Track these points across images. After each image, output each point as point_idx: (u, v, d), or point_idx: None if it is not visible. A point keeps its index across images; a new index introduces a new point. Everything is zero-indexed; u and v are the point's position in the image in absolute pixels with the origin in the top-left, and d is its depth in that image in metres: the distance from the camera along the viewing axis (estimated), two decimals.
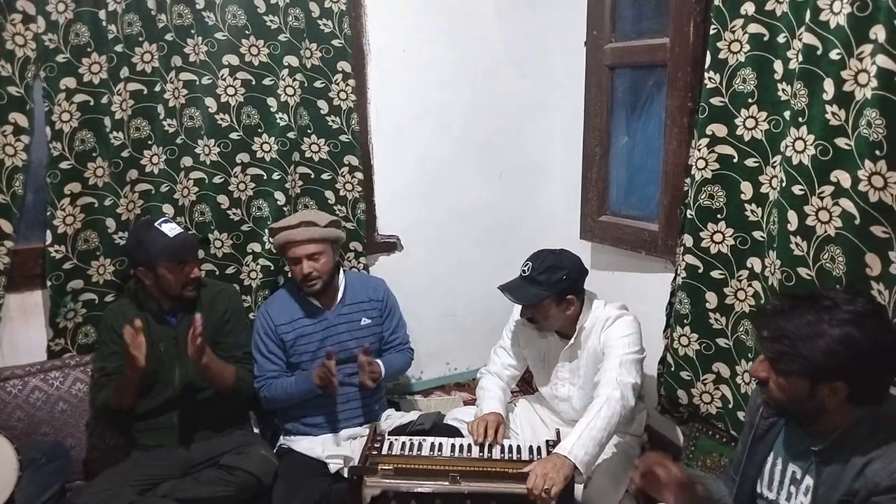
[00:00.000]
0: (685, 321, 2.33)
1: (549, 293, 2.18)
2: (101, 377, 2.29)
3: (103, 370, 2.29)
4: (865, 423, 1.39)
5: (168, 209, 2.54)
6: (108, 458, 2.36)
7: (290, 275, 2.53)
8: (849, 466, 1.37)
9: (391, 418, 2.53)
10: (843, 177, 1.75)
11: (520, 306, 2.40)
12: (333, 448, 2.34)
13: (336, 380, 2.24)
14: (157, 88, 2.47)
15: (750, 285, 2.16)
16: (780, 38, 1.97)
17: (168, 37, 2.45)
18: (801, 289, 1.87)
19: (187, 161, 2.56)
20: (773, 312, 1.46)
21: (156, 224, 2.26)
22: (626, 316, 2.25)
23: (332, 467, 2.26)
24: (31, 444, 2.23)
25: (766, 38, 2.01)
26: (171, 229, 2.25)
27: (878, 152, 1.65)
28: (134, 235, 2.33)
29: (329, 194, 2.81)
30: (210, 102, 2.55)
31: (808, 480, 1.47)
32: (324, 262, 2.40)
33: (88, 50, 2.34)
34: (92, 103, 2.37)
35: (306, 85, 2.69)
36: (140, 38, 2.41)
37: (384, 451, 2.07)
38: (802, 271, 1.88)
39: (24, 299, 2.43)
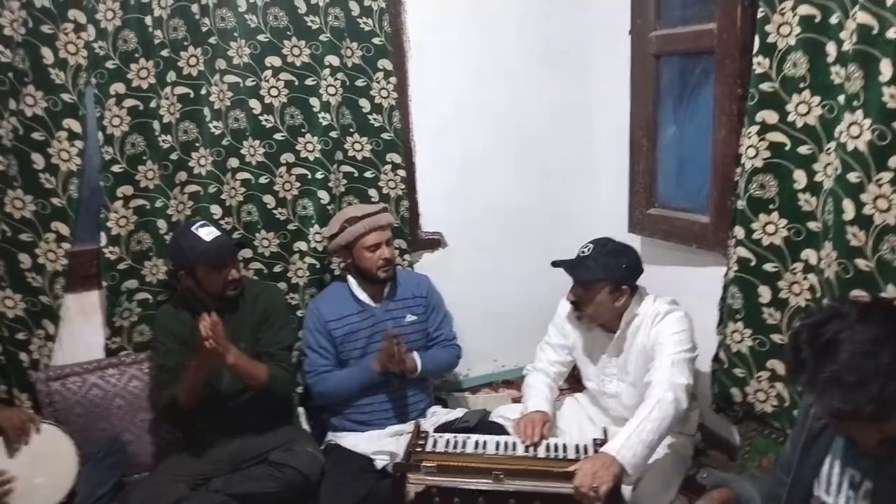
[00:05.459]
0: (738, 316, 2.25)
1: (607, 277, 2.16)
2: (162, 374, 2.32)
3: (163, 367, 2.31)
4: None
5: (216, 210, 2.59)
6: (164, 453, 2.43)
7: (350, 268, 2.51)
8: None
9: (437, 415, 2.53)
10: None
11: (565, 302, 2.38)
12: (380, 444, 2.35)
13: (400, 352, 2.29)
14: (203, 91, 2.52)
15: (805, 278, 2.07)
16: (833, 19, 1.88)
17: (212, 40, 2.49)
18: (851, 286, 1.80)
19: (233, 162, 2.61)
20: (813, 364, 1.26)
21: (192, 229, 2.28)
22: (677, 311, 2.19)
23: (379, 464, 2.27)
24: (90, 439, 2.30)
25: (817, 20, 1.92)
26: (207, 233, 2.27)
27: None
28: (174, 240, 2.37)
29: (372, 192, 2.82)
30: (254, 104, 2.59)
31: (868, 484, 1.41)
32: (394, 248, 2.52)
33: (136, 55, 2.40)
34: (141, 108, 2.44)
35: (348, 84, 2.70)
36: (185, 43, 2.46)
37: (428, 448, 2.07)
38: (861, 263, 1.79)
39: (81, 299, 2.51)
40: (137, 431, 2.47)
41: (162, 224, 2.52)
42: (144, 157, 2.47)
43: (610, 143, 3.00)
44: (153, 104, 2.45)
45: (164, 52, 2.44)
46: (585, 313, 2.25)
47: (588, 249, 2.21)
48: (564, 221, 3.16)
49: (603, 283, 2.17)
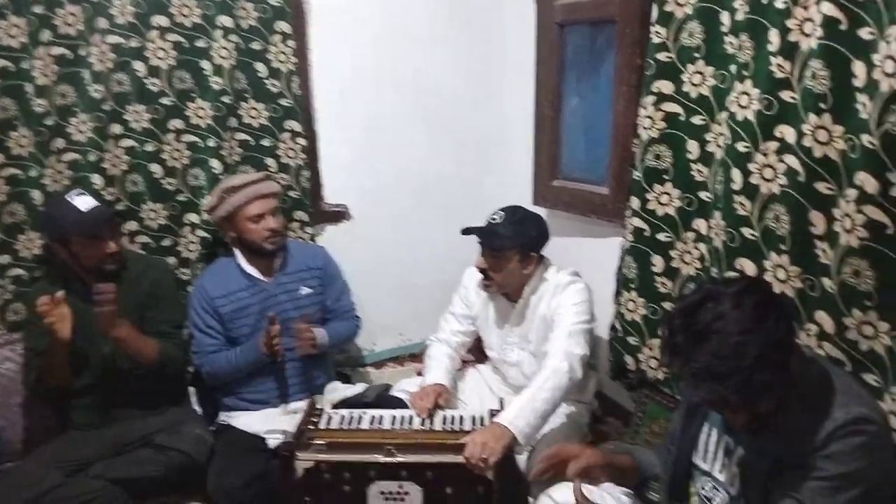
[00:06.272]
0: (632, 285, 2.28)
1: (517, 244, 2.15)
2: (32, 357, 2.21)
3: (34, 350, 2.20)
4: (791, 392, 1.33)
5: (97, 180, 2.42)
6: (41, 439, 2.27)
7: (235, 241, 2.40)
8: (777, 434, 1.33)
9: (336, 391, 2.45)
10: (787, 132, 1.70)
11: (470, 272, 2.37)
12: (273, 423, 2.26)
13: (280, 344, 2.22)
14: (83, 52, 2.34)
15: (696, 248, 2.10)
16: None
17: None
18: (737, 255, 1.82)
19: (117, 128, 2.43)
20: (686, 352, 1.26)
21: (67, 197, 2.14)
22: (578, 283, 2.21)
23: (272, 443, 2.19)
24: None
25: None
26: (84, 203, 2.13)
27: (822, 105, 1.60)
28: (46, 210, 2.23)
29: (270, 161, 2.68)
30: (139, 66, 2.42)
31: (740, 451, 1.44)
32: (282, 218, 2.41)
33: (5, 12, 2.21)
34: (12, 69, 2.26)
35: (243, 47, 2.55)
36: None
37: (322, 426, 2.01)
38: (746, 232, 1.82)
39: None
40: (12, 417, 2.31)
41: (37, 195, 2.35)
42: (16, 123, 2.29)
43: (519, 112, 2.94)
44: (25, 65, 2.27)
45: (38, 9, 2.25)
46: (494, 281, 2.24)
47: (499, 217, 2.20)
48: (474, 193, 3.08)
49: (514, 250, 2.17)
